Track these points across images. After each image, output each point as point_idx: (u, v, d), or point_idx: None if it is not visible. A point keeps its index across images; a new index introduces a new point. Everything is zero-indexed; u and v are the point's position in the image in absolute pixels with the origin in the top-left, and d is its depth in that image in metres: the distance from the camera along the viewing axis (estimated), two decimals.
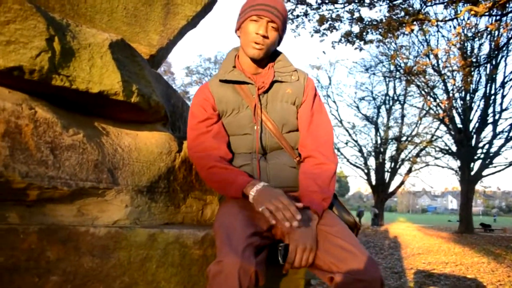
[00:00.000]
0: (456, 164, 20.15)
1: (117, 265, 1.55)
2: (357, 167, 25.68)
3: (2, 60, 1.32)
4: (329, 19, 10.81)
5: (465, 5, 8.64)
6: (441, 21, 10.30)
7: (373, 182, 24.65)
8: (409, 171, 23.59)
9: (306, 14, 11.13)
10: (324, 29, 11.04)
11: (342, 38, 10.87)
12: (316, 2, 10.61)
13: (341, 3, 10.54)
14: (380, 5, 10.38)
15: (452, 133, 18.70)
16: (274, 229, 1.58)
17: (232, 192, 1.59)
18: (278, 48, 1.81)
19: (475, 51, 16.08)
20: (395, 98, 24.27)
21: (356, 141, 25.65)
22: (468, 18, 13.11)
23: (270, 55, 1.74)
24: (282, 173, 1.70)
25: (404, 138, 23.66)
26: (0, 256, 1.40)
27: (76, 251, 1.50)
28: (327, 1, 10.59)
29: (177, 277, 1.62)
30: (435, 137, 21.71)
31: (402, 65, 17.90)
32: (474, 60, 14.41)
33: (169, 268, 1.62)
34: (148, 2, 2.17)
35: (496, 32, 13.46)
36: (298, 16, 11.20)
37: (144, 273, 1.58)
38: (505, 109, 17.72)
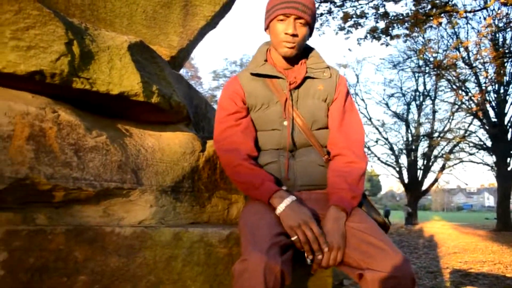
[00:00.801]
0: (491, 159, 19.55)
1: (143, 265, 1.56)
2: (389, 165, 25.26)
3: (24, 65, 1.35)
4: (354, 16, 10.69)
5: None
6: (470, 12, 10.03)
7: (406, 180, 24.18)
8: (443, 168, 23.03)
9: (330, 12, 11.05)
10: (349, 26, 10.93)
11: (368, 35, 10.74)
12: None
13: None
14: None
15: (487, 127, 18.14)
16: None
17: (257, 197, 1.57)
18: (310, 44, 1.79)
19: (507, 41, 15.56)
20: (426, 93, 23.77)
21: (386, 139, 25.24)
22: (499, 8, 12.71)
23: (302, 51, 1.71)
24: (309, 171, 1.67)
25: (436, 134, 23.11)
26: (30, 257, 1.44)
27: (103, 251, 1.52)
28: None
29: (202, 276, 1.62)
30: (468, 132, 21.10)
31: (431, 59, 17.51)
32: (507, 51, 13.96)
33: (195, 267, 1.62)
34: (166, 5, 2.19)
35: None
36: (322, 14, 11.12)
37: (170, 272, 1.58)
38: None
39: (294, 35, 1.59)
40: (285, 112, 1.66)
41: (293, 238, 1.43)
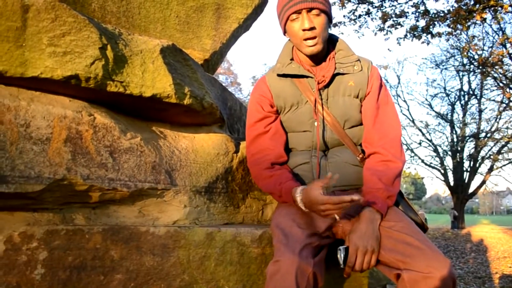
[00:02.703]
0: None
1: (177, 264, 1.58)
2: (433, 167, 24.49)
3: (60, 70, 1.41)
4: (393, 16, 10.47)
5: None
6: None
7: (451, 183, 23.38)
8: (491, 169, 22.08)
9: (368, 13, 10.87)
10: (388, 27, 10.70)
11: (408, 33, 10.47)
12: None
13: None
14: None
15: None
16: (335, 228, 1.52)
17: (285, 201, 1.58)
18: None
19: None
20: (471, 92, 22.92)
21: (430, 141, 24.50)
22: None
23: (327, 42, 1.63)
24: (342, 171, 1.62)
25: (483, 135, 22.21)
26: (68, 256, 1.49)
27: (138, 250, 1.55)
28: None
29: (235, 276, 1.62)
30: None
31: (476, 57, 16.90)
32: None
33: (228, 266, 1.63)
34: (199, 9, 2.22)
35: None
36: (360, 16, 10.95)
37: (203, 272, 1.60)
38: None
39: (312, 28, 1.51)
40: (315, 113, 1.62)
41: (337, 219, 1.46)
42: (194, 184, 1.82)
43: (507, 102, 19.60)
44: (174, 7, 2.16)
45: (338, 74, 1.62)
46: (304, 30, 1.52)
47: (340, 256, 1.40)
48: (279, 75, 1.66)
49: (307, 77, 1.63)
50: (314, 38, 1.53)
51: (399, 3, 10.40)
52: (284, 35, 1.69)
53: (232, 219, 1.98)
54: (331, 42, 1.68)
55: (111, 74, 1.52)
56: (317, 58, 1.63)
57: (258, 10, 2.48)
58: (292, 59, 1.67)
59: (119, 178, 1.57)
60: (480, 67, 14.90)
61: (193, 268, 1.59)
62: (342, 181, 1.62)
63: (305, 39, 1.54)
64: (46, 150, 1.44)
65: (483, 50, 16.59)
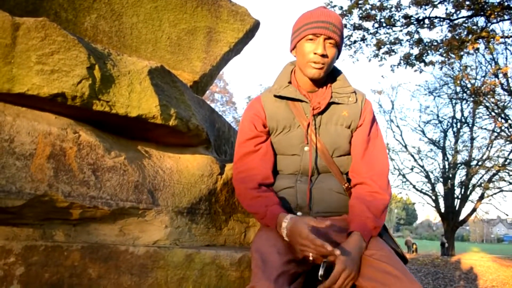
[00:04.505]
0: None
1: (155, 285, 1.57)
2: (425, 193, 24.55)
3: (47, 87, 1.43)
4: (387, 43, 10.65)
5: None
6: (507, 37, 9.81)
7: (442, 210, 23.40)
8: (481, 197, 22.15)
9: (363, 39, 11.04)
10: (383, 53, 10.87)
11: (401, 61, 10.64)
12: (373, 26, 10.51)
13: (399, 26, 10.37)
14: (441, 25, 10.08)
15: None
16: None
17: (267, 225, 1.58)
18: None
19: None
20: (463, 120, 23.17)
21: (422, 167, 24.59)
22: None
23: (329, 73, 1.67)
24: (326, 197, 1.64)
25: (474, 163, 22.35)
26: (46, 272, 1.48)
27: (116, 269, 1.55)
28: (384, 25, 10.46)
29: None
30: (508, 160, 20.32)
31: (469, 86, 17.14)
32: None
33: None
34: (191, 32, 2.27)
35: None
36: (355, 41, 11.11)
37: None
38: None
39: (323, 56, 1.55)
40: (307, 138, 1.64)
41: (311, 258, 1.40)
42: (176, 204, 1.83)
43: (498, 131, 19.81)
44: (166, 29, 2.20)
45: (333, 103, 1.65)
46: (315, 53, 1.55)
47: (323, 268, 1.38)
48: (276, 96, 1.67)
49: (302, 101, 1.65)
50: (322, 64, 1.56)
51: (394, 31, 10.59)
52: (291, 51, 1.71)
53: (214, 241, 1.99)
54: (331, 72, 1.71)
55: (97, 93, 1.54)
56: (316, 84, 1.66)
57: (249, 35, 2.53)
58: (290, 82, 1.69)
59: (100, 196, 1.58)
60: (473, 96, 15.12)
61: None
62: (326, 207, 1.64)
63: (313, 62, 1.56)
64: (29, 165, 1.45)
65: (475, 79, 16.86)
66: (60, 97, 1.47)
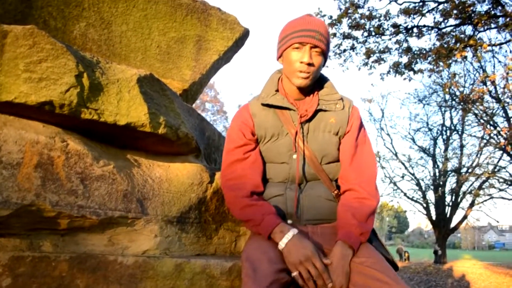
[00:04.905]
0: None
1: None
2: (416, 201, 24.65)
3: (34, 95, 1.42)
4: (377, 51, 10.75)
5: None
6: (494, 45, 9.94)
7: (433, 217, 23.50)
8: (472, 204, 22.28)
9: (353, 48, 11.13)
10: (372, 62, 10.97)
11: (391, 70, 10.74)
12: (363, 35, 10.61)
13: (388, 35, 10.47)
14: (429, 34, 10.20)
15: None
16: None
17: (260, 233, 1.56)
18: (325, 74, 1.76)
19: None
20: (452, 128, 23.37)
21: (413, 174, 24.71)
22: None
23: (316, 81, 1.67)
24: (316, 205, 1.64)
25: (464, 170, 22.52)
26: (33, 283, 1.46)
27: (105, 280, 1.53)
28: (373, 34, 10.56)
29: None
30: (498, 167, 20.50)
31: (458, 93, 17.32)
32: None
33: None
34: (180, 40, 2.27)
35: None
36: (345, 50, 11.20)
37: None
38: None
39: (310, 64, 1.55)
40: (295, 146, 1.64)
41: (293, 275, 1.41)
42: (166, 213, 1.81)
43: (487, 138, 20.00)
44: (155, 37, 2.20)
45: (320, 110, 1.65)
46: (302, 62, 1.55)
47: None
48: (263, 105, 1.67)
49: (290, 109, 1.65)
50: (308, 72, 1.57)
51: (383, 40, 10.69)
52: (277, 59, 1.71)
53: (204, 250, 1.97)
54: (318, 80, 1.72)
55: (86, 101, 1.53)
56: (303, 92, 1.67)
57: (239, 43, 2.53)
58: (277, 91, 1.69)
59: (88, 206, 1.56)
60: (462, 104, 15.27)
61: None
62: (315, 214, 1.63)
63: (299, 71, 1.57)
64: (16, 175, 1.44)
65: (464, 87, 17.04)
66: (48, 105, 1.45)
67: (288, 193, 1.65)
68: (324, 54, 1.61)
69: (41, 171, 1.49)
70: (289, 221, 1.63)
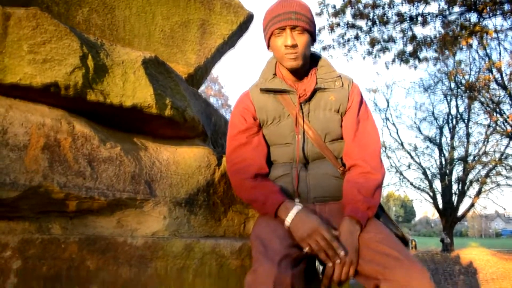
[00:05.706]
0: None
1: (154, 275, 1.55)
2: (422, 190, 24.57)
3: (39, 77, 1.41)
4: (381, 40, 10.66)
5: None
6: (500, 31, 9.84)
7: (440, 206, 23.44)
8: (479, 192, 22.18)
9: (357, 38, 11.04)
10: (377, 51, 10.88)
11: (396, 58, 10.65)
12: (367, 24, 10.52)
13: (392, 23, 10.38)
14: (434, 22, 10.10)
15: None
16: None
17: (266, 212, 1.56)
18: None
19: None
20: (458, 116, 23.22)
21: (419, 163, 24.62)
22: None
23: (310, 60, 1.68)
24: (323, 183, 1.64)
25: (471, 158, 22.41)
26: (43, 265, 1.46)
27: (115, 261, 1.53)
28: (378, 23, 10.47)
29: None
30: (505, 155, 20.38)
31: (463, 81, 17.21)
32: None
33: (206, 278, 1.61)
34: (184, 24, 2.25)
35: None
36: (349, 40, 11.11)
37: (181, 284, 1.58)
38: None
39: (294, 46, 1.55)
40: (296, 126, 1.64)
41: (305, 250, 1.41)
42: (174, 195, 1.81)
43: (494, 126, 19.87)
44: (159, 22, 2.18)
45: (319, 89, 1.65)
46: (286, 46, 1.55)
47: (319, 266, 1.40)
48: (262, 90, 1.68)
49: (289, 91, 1.65)
50: (295, 53, 1.56)
51: (387, 28, 10.60)
52: (268, 49, 1.71)
53: (213, 232, 1.97)
54: (313, 59, 1.71)
55: (91, 82, 1.52)
56: (299, 74, 1.66)
57: (243, 27, 2.52)
58: (275, 74, 1.69)
59: (96, 187, 1.56)
60: (467, 92, 15.16)
61: (170, 279, 1.57)
62: (323, 192, 1.63)
63: (286, 54, 1.57)
64: (23, 157, 1.43)
65: (470, 75, 16.93)
66: (53, 86, 1.45)
67: (293, 172, 1.65)
68: (308, 31, 1.60)
69: (48, 153, 1.48)
70: (297, 200, 1.63)
